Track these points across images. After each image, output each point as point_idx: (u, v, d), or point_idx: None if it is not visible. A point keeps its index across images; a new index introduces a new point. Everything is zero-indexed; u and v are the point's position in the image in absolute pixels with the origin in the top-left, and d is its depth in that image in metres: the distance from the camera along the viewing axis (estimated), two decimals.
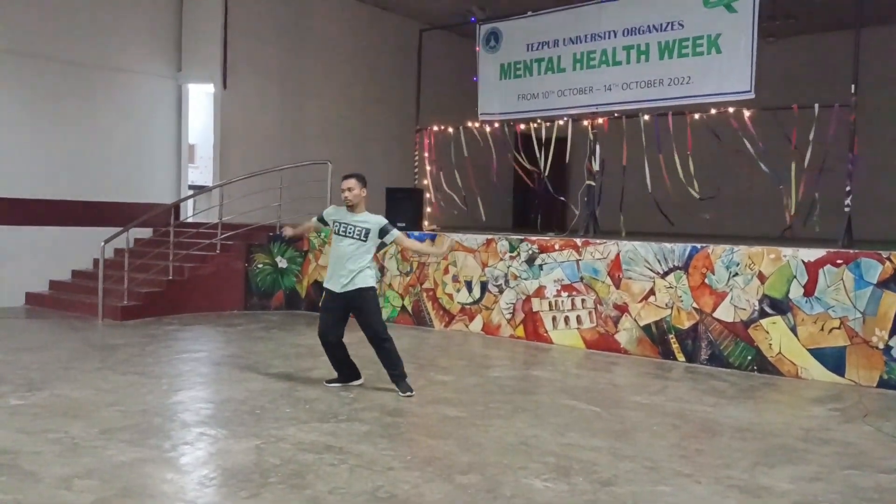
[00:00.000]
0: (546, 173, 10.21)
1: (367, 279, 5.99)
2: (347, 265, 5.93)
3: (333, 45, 13.49)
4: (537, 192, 10.54)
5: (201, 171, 12.98)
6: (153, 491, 3.92)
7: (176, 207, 11.42)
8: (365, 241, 5.96)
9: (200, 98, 12.56)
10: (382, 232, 5.99)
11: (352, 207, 6.02)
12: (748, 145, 8.61)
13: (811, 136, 8.22)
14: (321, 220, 6.24)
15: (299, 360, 7.38)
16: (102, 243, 9.69)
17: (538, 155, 10.20)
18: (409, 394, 5.98)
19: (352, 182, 6.00)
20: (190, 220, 11.69)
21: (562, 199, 10.50)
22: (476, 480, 4.15)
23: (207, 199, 11.74)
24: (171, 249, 10.23)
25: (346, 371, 6.25)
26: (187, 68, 12.19)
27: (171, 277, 10.18)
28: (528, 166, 10.38)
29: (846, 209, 7.98)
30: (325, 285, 6.14)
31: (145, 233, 11.27)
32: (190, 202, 12.14)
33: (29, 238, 10.56)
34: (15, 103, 10.46)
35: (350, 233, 5.97)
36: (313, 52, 13.19)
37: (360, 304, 5.96)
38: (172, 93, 12.21)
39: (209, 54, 11.94)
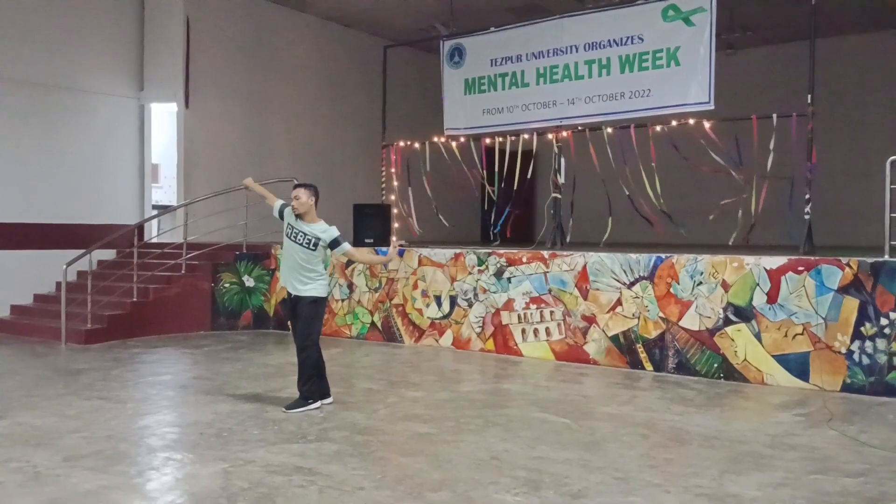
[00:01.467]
0: (515, 186, 10.28)
1: (316, 289, 6.00)
2: (301, 273, 5.99)
3: (297, 63, 13.46)
4: (495, 207, 10.63)
5: (165, 191, 12.83)
6: None
7: (140, 228, 11.27)
8: (313, 250, 5.99)
9: (163, 117, 12.44)
10: (333, 244, 6.01)
11: (301, 216, 6.05)
12: (712, 154, 8.76)
13: (772, 146, 8.38)
14: (280, 212, 6.25)
15: (268, 380, 7.31)
16: (65, 266, 9.53)
17: (496, 169, 10.29)
18: (287, 410, 5.94)
19: (300, 191, 6.06)
20: (154, 240, 11.53)
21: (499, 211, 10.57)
22: (447, 497, 4.14)
23: (172, 219, 11.61)
24: (135, 271, 10.09)
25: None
26: (149, 87, 12.08)
27: (135, 299, 10.03)
28: (487, 185, 10.48)
29: (806, 216, 8.14)
30: (282, 283, 6.21)
31: (109, 254, 11.11)
32: (154, 222, 11.99)
33: None
34: None
35: (300, 240, 6.01)
36: (277, 70, 13.14)
37: (300, 311, 6.02)
38: (134, 112, 12.08)
39: (171, 73, 11.82)
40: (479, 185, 10.75)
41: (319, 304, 6.07)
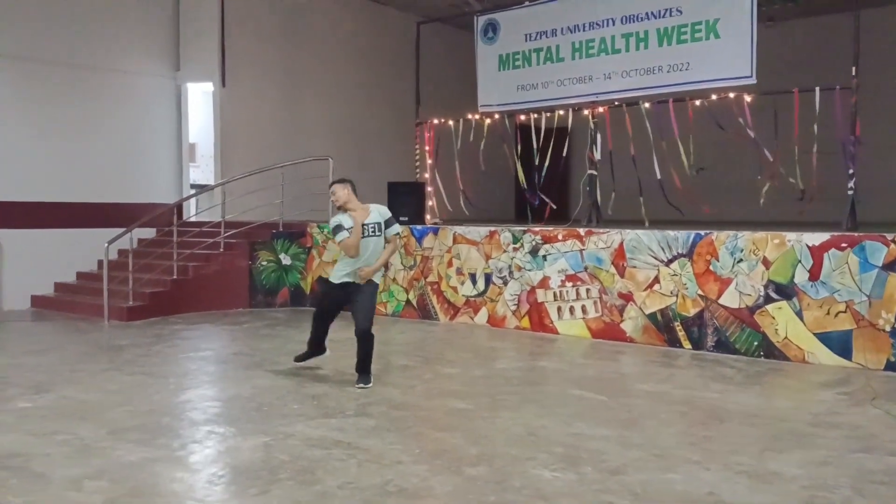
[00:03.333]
0: (547, 163, 10.18)
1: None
2: (372, 260, 6.12)
3: (331, 41, 13.47)
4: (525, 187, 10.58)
5: (202, 170, 12.99)
6: (163, 490, 3.93)
7: (178, 207, 11.42)
8: (380, 234, 6.18)
9: (200, 97, 12.55)
10: (388, 223, 6.21)
11: (343, 208, 6.18)
12: (748, 130, 8.59)
13: (816, 120, 8.17)
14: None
15: None
16: (106, 244, 9.70)
17: (534, 146, 10.19)
18: (361, 386, 6.04)
19: (334, 187, 6.23)
20: (193, 219, 11.69)
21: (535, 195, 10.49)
22: (485, 472, 4.16)
23: (209, 198, 11.74)
24: (174, 249, 10.24)
25: (314, 349, 6.49)
26: (186, 67, 12.18)
27: (175, 277, 10.18)
28: (518, 164, 10.41)
29: (850, 192, 7.95)
30: (336, 280, 6.21)
31: (149, 233, 11.28)
32: (192, 201, 12.14)
33: (33, 241, 10.58)
34: (16, 107, 10.46)
35: (373, 231, 6.14)
36: (311, 48, 13.16)
37: (357, 296, 6.13)
38: (172, 92, 12.20)
39: (207, 53, 11.92)
40: (513, 162, 10.67)
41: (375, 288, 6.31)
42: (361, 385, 6.05)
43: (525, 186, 10.49)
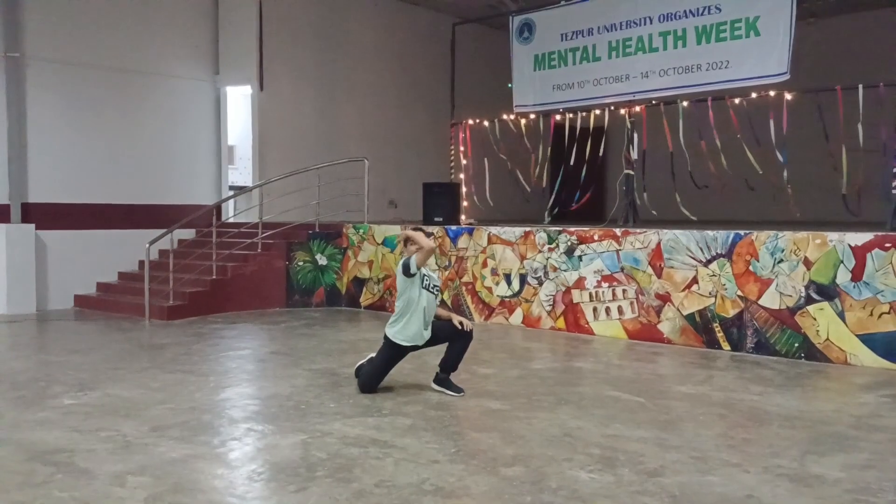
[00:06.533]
0: (585, 162, 10.14)
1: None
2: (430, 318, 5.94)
3: (367, 43, 13.55)
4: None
5: (241, 172, 13.16)
6: (204, 486, 3.99)
7: (217, 208, 11.59)
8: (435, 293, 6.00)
9: (238, 100, 12.72)
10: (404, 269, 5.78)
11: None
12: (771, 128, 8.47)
13: (860, 118, 8.01)
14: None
15: (342, 355, 7.44)
16: (147, 245, 9.89)
17: (566, 146, 10.17)
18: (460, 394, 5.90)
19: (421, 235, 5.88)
20: (231, 220, 11.86)
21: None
22: (521, 473, 4.15)
23: (248, 199, 11.90)
24: (213, 249, 10.40)
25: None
26: (225, 71, 12.36)
27: (214, 277, 10.33)
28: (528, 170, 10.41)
29: (893, 191, 7.79)
30: (406, 343, 5.86)
31: (189, 234, 11.46)
32: (231, 202, 12.31)
33: (76, 241, 10.81)
34: (60, 110, 10.71)
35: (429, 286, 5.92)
36: (348, 51, 13.26)
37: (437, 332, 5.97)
38: (211, 95, 12.39)
39: (245, 57, 12.08)
40: (542, 162, 10.66)
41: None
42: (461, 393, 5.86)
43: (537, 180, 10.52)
